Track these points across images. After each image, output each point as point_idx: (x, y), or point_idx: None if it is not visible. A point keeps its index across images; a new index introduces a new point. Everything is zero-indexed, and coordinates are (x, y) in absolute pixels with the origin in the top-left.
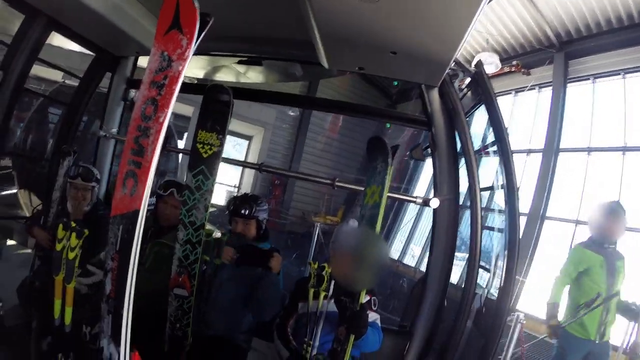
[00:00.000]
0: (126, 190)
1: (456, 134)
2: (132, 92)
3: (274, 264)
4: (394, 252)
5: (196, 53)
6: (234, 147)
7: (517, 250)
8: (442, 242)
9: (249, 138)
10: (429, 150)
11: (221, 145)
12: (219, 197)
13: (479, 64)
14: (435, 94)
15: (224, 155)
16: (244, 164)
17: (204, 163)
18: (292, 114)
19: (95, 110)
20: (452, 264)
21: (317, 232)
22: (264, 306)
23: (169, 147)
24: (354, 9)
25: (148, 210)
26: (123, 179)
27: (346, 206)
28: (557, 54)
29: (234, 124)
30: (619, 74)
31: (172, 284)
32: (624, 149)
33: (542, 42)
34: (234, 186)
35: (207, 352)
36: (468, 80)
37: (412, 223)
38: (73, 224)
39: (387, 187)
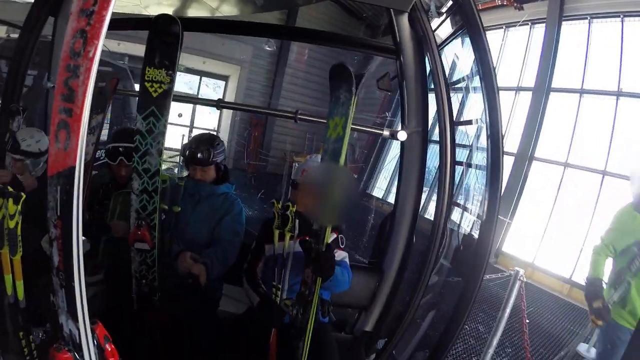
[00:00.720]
0: (59, 145)
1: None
2: None
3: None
4: (378, 191)
5: None
6: (214, 90)
7: (499, 189)
8: (410, 176)
9: (225, 78)
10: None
11: (171, 82)
12: None
13: None
14: (404, 20)
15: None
16: (196, 101)
17: (153, 103)
18: (268, 49)
19: (41, 60)
20: (420, 198)
21: None
22: (226, 248)
23: (120, 90)
24: None
25: (104, 166)
26: (55, 131)
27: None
28: None
29: (208, 65)
30: (618, 16)
31: (132, 238)
32: (618, 94)
33: None
34: (213, 129)
35: (178, 305)
36: (450, 3)
37: (397, 160)
38: (10, 189)
39: (350, 119)
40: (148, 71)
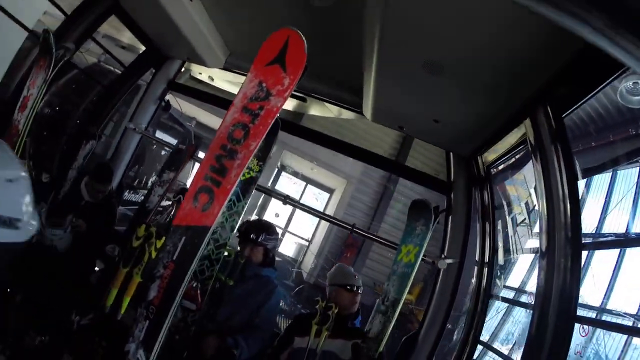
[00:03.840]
0: (197, 204)
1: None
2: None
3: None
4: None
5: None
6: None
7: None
8: (441, 303)
9: (330, 191)
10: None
11: (260, 171)
12: (290, 248)
13: None
14: (461, 162)
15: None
16: (270, 192)
17: (239, 185)
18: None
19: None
20: (445, 323)
21: None
22: (261, 337)
23: (196, 157)
24: (418, 76)
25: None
26: (195, 192)
27: (425, 283)
28: None
29: (316, 173)
30: None
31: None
32: None
33: None
34: (306, 240)
35: None
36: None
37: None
38: (152, 229)
39: (424, 250)
40: None
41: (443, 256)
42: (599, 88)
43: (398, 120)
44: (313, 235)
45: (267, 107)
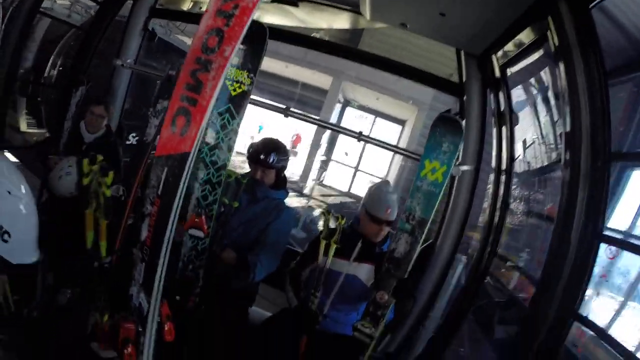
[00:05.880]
0: (175, 129)
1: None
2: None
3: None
4: None
5: None
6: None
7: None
8: (455, 211)
9: (402, 123)
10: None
11: (251, 84)
12: (363, 186)
13: None
14: (473, 62)
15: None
16: (265, 105)
17: (231, 101)
18: None
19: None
20: (462, 235)
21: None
22: (270, 254)
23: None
24: None
25: None
26: (173, 115)
27: None
28: None
29: (382, 103)
30: None
31: (188, 225)
32: None
33: None
34: (380, 178)
35: (215, 296)
36: None
37: None
38: (99, 158)
39: (451, 169)
40: (230, 70)
41: (457, 163)
42: None
43: (400, 15)
44: (387, 173)
45: (243, 4)
